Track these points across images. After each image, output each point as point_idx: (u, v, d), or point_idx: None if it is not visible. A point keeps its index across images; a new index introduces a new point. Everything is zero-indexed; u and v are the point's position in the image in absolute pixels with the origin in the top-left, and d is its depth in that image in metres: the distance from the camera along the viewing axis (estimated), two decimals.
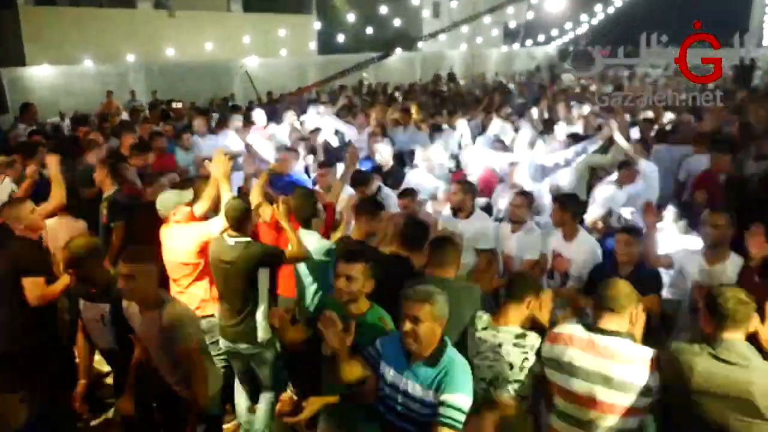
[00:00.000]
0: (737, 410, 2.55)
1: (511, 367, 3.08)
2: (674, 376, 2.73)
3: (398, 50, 22.05)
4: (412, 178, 6.50)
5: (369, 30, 21.35)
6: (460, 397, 2.61)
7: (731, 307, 2.66)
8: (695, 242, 4.46)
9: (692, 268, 4.08)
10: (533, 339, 3.13)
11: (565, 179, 6.54)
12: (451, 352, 2.75)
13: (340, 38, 21.71)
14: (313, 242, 4.09)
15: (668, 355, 2.79)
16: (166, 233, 4.32)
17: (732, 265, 3.95)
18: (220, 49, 20.15)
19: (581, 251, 4.48)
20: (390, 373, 2.81)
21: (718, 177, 5.88)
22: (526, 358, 3.08)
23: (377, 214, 4.16)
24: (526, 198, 4.95)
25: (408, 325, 2.67)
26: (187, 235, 4.22)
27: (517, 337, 3.14)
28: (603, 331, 2.89)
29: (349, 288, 3.03)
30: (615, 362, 2.80)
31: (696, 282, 3.99)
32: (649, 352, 2.83)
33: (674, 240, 4.71)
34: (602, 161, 6.74)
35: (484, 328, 3.24)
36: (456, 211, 4.99)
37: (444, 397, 2.62)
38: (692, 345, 2.75)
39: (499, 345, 3.14)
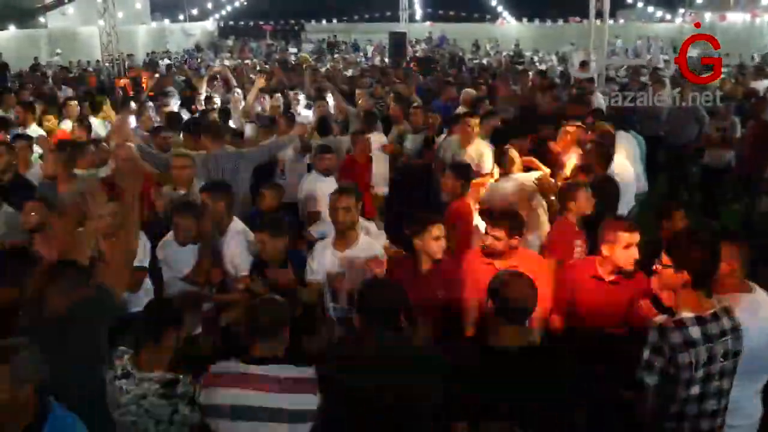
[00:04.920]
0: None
1: (157, 423, 2.76)
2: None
3: (11, 26, 19.39)
4: None
5: None
6: None
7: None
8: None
9: (325, 258, 4.07)
10: (186, 386, 2.78)
11: None
12: (58, 424, 2.36)
13: None
14: None
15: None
16: None
17: (361, 248, 4.00)
18: None
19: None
20: None
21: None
22: (176, 411, 2.76)
23: None
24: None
25: None
26: None
27: (165, 386, 2.76)
28: (258, 360, 2.72)
29: None
30: (279, 393, 2.66)
31: (329, 272, 4.02)
32: (310, 372, 2.73)
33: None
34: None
35: (125, 374, 2.79)
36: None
37: None
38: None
39: (143, 396, 2.77)
